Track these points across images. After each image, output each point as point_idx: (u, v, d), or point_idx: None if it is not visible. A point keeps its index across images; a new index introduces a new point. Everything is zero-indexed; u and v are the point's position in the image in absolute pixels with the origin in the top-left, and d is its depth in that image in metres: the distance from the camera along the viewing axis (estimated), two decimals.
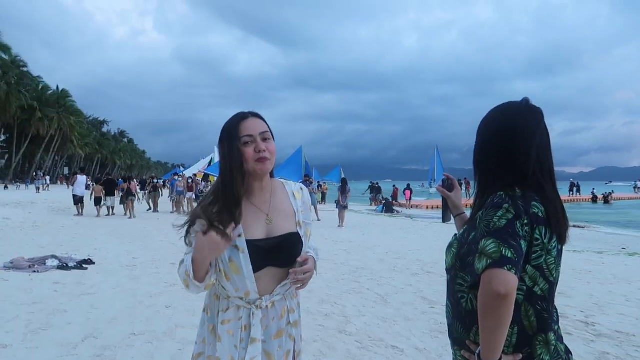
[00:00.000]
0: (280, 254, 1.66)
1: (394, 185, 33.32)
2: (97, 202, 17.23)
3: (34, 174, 45.85)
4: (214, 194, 1.65)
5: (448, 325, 1.53)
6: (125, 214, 17.19)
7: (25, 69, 53.53)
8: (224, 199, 1.60)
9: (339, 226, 15.04)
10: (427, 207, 30.39)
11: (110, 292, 5.79)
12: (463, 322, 1.43)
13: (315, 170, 28.03)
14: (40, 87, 58.02)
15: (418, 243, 11.52)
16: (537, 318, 1.35)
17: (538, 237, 1.33)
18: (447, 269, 1.53)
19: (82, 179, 17.61)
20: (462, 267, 1.43)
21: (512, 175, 1.41)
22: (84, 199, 17.25)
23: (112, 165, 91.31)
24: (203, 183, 25.20)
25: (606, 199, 39.59)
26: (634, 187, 57.56)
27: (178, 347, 3.96)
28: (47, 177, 46.14)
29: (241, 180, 1.61)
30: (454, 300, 1.46)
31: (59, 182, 56.42)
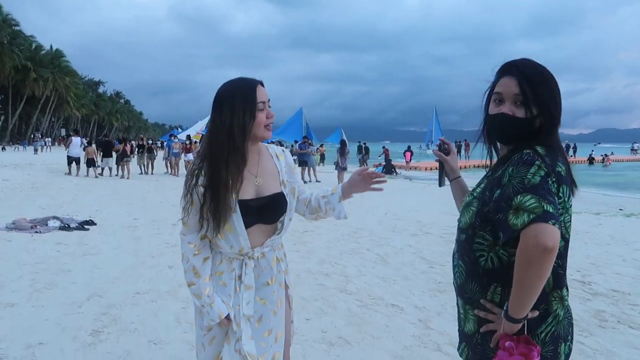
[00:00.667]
0: (268, 212, 1.81)
1: (383, 147, 33.07)
2: (90, 163, 17.56)
3: (32, 135, 45.55)
4: (211, 157, 1.70)
5: (459, 285, 1.53)
6: (122, 175, 17.47)
7: (17, 28, 52.29)
8: (234, 160, 1.68)
9: None
10: (426, 169, 30.46)
11: (112, 253, 5.84)
12: (480, 281, 1.43)
13: (312, 133, 27.94)
14: (33, 47, 56.83)
15: (416, 204, 11.58)
16: (553, 275, 1.37)
17: (561, 195, 1.34)
18: (462, 228, 1.50)
19: (77, 140, 17.82)
20: (483, 226, 1.41)
21: (537, 133, 1.41)
22: (80, 159, 17.56)
23: (109, 126, 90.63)
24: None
25: (603, 161, 39.55)
26: (631, 149, 57.49)
27: (182, 306, 4.03)
28: (48, 139, 45.78)
29: (247, 144, 1.71)
30: (470, 260, 1.45)
31: (56, 144, 56.11)
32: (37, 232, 6.79)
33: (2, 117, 55.85)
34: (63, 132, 72.63)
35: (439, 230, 7.77)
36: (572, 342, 1.43)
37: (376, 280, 4.94)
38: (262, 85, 1.77)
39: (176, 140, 19.93)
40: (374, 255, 6.06)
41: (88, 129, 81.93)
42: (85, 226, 7.35)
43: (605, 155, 41.70)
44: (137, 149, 20.18)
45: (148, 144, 20.21)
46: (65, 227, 7.13)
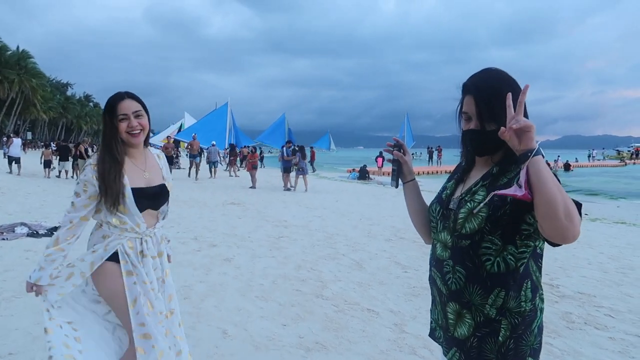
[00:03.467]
0: (157, 199, 2.27)
1: (311, 147, 33.41)
2: (47, 164, 19.10)
3: (5, 138, 44.13)
4: (101, 155, 2.16)
5: (454, 290, 1.54)
6: (74, 177, 18.27)
7: None
8: (110, 159, 2.14)
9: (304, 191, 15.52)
10: None
11: None
12: (483, 284, 1.47)
13: (293, 138, 27.73)
14: None
15: (391, 210, 11.72)
16: (538, 272, 1.50)
17: None
18: (465, 235, 1.50)
19: (17, 141, 19.80)
20: (493, 230, 1.44)
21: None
22: (20, 159, 19.33)
23: (77, 130, 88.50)
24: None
25: (566, 167, 40.57)
26: (588, 156, 59.69)
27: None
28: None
29: (117, 145, 2.17)
30: (474, 265, 1.49)
31: (23, 148, 54.44)
32: (3, 239, 6.59)
33: None
34: (29, 135, 70.53)
35: (413, 236, 7.89)
36: None
37: (352, 286, 4.99)
38: (132, 98, 2.21)
39: None
40: (349, 260, 6.12)
41: (55, 133, 79.81)
42: (54, 232, 7.16)
43: (555, 161, 42.46)
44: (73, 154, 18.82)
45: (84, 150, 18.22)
46: (34, 234, 6.94)
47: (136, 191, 2.16)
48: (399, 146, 1.85)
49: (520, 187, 1.31)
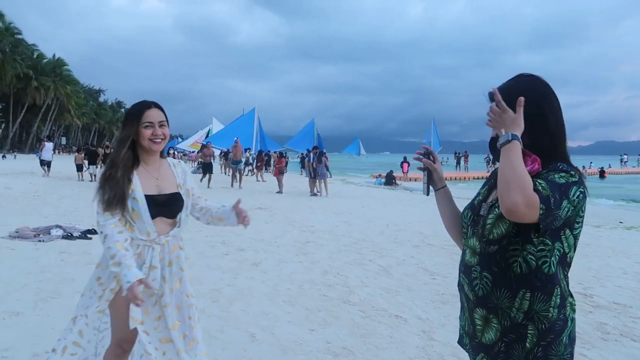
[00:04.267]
0: (168, 207, 2.27)
1: (313, 150, 33.01)
2: (79, 168, 20.00)
3: (37, 144, 45.64)
4: (113, 160, 2.18)
5: (480, 296, 1.54)
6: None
7: (19, 37, 52.68)
8: (115, 161, 2.18)
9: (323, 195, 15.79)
10: None
11: None
12: (509, 287, 1.47)
13: (322, 143, 27.76)
14: (35, 56, 57.22)
15: (418, 215, 11.61)
16: (565, 283, 1.49)
17: (584, 210, 1.46)
18: (492, 240, 1.51)
19: (49, 145, 20.89)
20: (518, 233, 1.45)
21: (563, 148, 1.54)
22: (51, 163, 20.63)
23: (109, 135, 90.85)
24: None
25: (601, 174, 39.42)
26: (621, 161, 57.84)
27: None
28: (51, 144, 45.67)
29: (131, 149, 2.21)
30: (500, 269, 1.49)
31: (58, 152, 56.26)
32: (40, 240, 6.81)
33: (3, 125, 55.99)
34: (64, 140, 72.77)
35: (441, 242, 7.79)
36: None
37: (379, 292, 4.97)
38: (159, 108, 2.27)
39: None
40: (376, 266, 6.09)
41: (88, 138, 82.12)
42: (88, 235, 7.37)
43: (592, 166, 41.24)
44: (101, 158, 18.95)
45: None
46: (68, 236, 7.15)
47: (148, 198, 2.18)
48: (428, 154, 1.85)
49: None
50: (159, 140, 2.23)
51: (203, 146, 32.85)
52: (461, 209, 1.80)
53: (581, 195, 1.41)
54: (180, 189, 2.34)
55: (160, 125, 2.23)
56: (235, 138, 19.57)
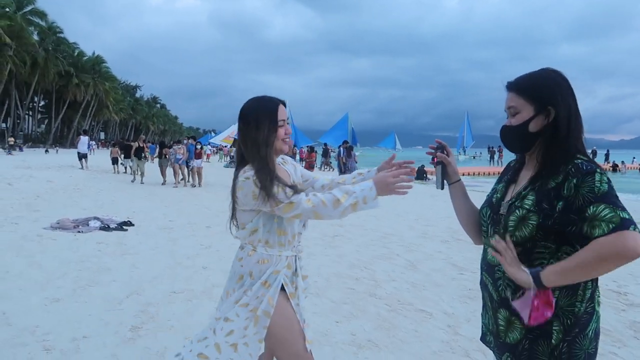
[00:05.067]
0: None
1: (325, 144, 30.95)
2: (114, 161, 20.57)
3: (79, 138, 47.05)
4: (257, 163, 1.90)
5: (503, 298, 1.54)
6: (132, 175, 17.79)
7: (61, 35, 54.51)
8: (269, 164, 1.92)
9: None
10: (462, 174, 30.09)
11: (150, 253, 6.07)
12: None
13: (356, 138, 27.64)
14: (76, 54, 59.08)
15: (448, 211, 11.47)
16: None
17: None
18: (515, 242, 1.49)
19: (84, 139, 21.45)
20: (546, 237, 1.44)
21: (537, 136, 1.53)
22: (87, 155, 21.41)
23: (145, 130, 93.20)
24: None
25: (614, 168, 37.57)
26: None
27: (215, 306, 4.15)
28: (92, 142, 47.01)
29: (272, 153, 1.96)
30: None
31: (98, 146, 58.11)
32: (79, 231, 7.11)
33: (46, 121, 58.19)
34: (102, 135, 75.09)
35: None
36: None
37: (406, 286, 4.97)
38: (284, 105, 2.04)
39: (180, 146, 16.23)
40: (403, 260, 6.08)
41: (125, 132, 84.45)
42: (124, 227, 7.64)
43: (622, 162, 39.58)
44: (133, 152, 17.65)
45: (144, 144, 17.96)
46: (105, 228, 7.43)
47: None
48: (441, 148, 1.86)
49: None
50: (288, 139, 2.05)
51: (236, 140, 33.20)
52: (479, 205, 1.80)
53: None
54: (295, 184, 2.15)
55: (287, 123, 2.06)
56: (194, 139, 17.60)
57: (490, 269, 1.60)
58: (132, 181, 16.51)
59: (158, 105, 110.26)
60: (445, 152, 1.86)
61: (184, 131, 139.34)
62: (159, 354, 3.20)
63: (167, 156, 16.35)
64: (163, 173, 16.47)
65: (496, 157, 39.44)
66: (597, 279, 1.48)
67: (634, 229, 1.27)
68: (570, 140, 1.49)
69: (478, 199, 1.85)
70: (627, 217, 1.29)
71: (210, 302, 4.27)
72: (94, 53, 63.02)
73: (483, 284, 1.66)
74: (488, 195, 1.73)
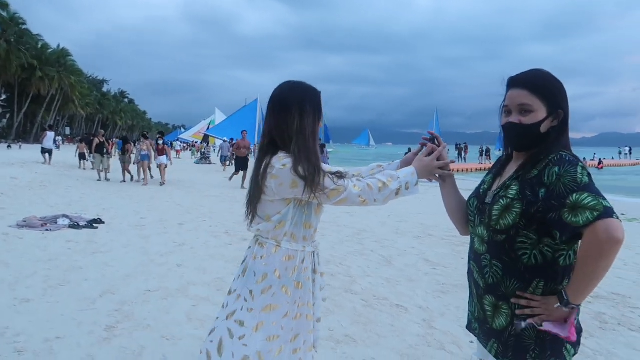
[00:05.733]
0: None
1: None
2: (81, 157, 20.67)
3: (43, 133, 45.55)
4: (302, 153, 1.79)
5: (491, 284, 1.59)
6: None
7: (24, 27, 52.61)
8: (315, 156, 1.82)
9: None
10: None
11: (122, 251, 5.96)
12: (522, 277, 1.52)
13: (329, 134, 27.18)
14: (40, 46, 57.13)
15: (419, 207, 11.66)
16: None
17: None
18: (500, 230, 1.54)
19: (50, 134, 21.19)
20: (528, 225, 1.48)
21: (546, 136, 1.57)
22: (52, 151, 20.93)
23: (113, 125, 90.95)
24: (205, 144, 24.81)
25: (598, 164, 39.21)
26: (619, 153, 58.15)
27: (192, 304, 4.14)
28: (59, 137, 45.47)
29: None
30: (510, 259, 1.54)
31: (65, 142, 56.41)
32: (47, 229, 6.92)
33: (8, 115, 56.14)
34: (67, 130, 72.98)
35: (442, 233, 7.87)
36: None
37: (380, 281, 5.04)
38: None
39: (144, 141, 15.65)
40: (378, 256, 6.16)
41: (92, 128, 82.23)
42: (94, 225, 7.47)
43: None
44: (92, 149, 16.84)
45: (106, 141, 16.85)
46: (75, 226, 7.25)
47: None
48: (433, 139, 1.91)
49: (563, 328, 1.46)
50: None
51: (206, 136, 32.75)
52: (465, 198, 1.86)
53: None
54: None
55: None
56: (244, 131, 16.52)
57: (477, 257, 1.66)
58: (98, 180, 15.50)
59: (126, 100, 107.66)
60: (437, 143, 1.91)
61: (152, 126, 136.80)
62: (136, 354, 3.16)
63: (129, 152, 15.81)
64: (125, 170, 15.67)
65: (462, 153, 40.21)
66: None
67: (617, 218, 1.33)
68: (564, 140, 1.56)
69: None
70: (609, 206, 1.35)
71: (186, 300, 4.24)
72: (59, 46, 61.12)
73: (470, 272, 1.72)
74: (476, 187, 1.79)
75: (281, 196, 1.81)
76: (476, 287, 1.67)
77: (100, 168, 15.94)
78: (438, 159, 1.87)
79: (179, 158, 36.36)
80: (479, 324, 1.67)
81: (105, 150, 16.03)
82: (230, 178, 15.76)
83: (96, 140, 16.44)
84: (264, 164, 1.81)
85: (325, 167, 1.95)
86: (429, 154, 1.89)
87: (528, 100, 1.54)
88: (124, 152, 15.88)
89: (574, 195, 1.37)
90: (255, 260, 1.87)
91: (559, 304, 1.44)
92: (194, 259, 5.67)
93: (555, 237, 1.44)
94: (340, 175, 1.84)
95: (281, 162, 1.76)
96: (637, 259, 6.44)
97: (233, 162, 20.67)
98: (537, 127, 1.54)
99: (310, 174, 1.74)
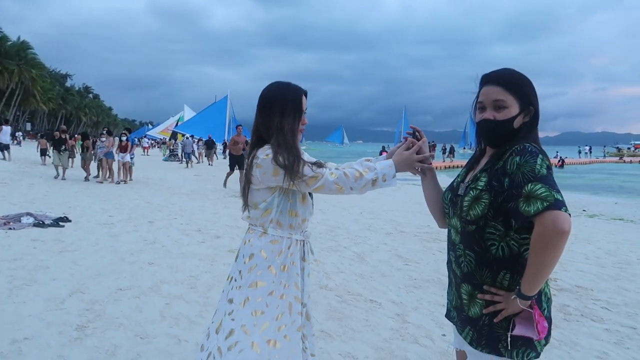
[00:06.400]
0: None
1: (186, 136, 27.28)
2: (42, 153, 20.40)
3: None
4: (282, 148, 1.88)
5: (466, 273, 1.65)
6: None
7: None
8: (295, 149, 1.91)
9: None
10: None
11: (91, 249, 5.82)
12: (490, 267, 1.58)
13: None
14: None
15: (391, 204, 11.82)
16: None
17: None
18: (470, 220, 1.60)
19: (6, 129, 20.75)
20: (496, 216, 1.54)
21: (518, 132, 1.63)
22: (9, 146, 20.49)
23: (77, 121, 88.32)
24: (174, 141, 24.39)
25: (561, 163, 40.54)
26: (579, 152, 60.68)
27: (165, 302, 4.09)
28: (19, 133, 43.76)
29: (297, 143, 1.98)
30: (480, 249, 1.60)
31: (23, 138, 54.42)
32: (10, 228, 6.68)
33: None
34: (28, 126, 70.43)
35: (413, 229, 8.00)
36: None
37: (354, 277, 5.10)
38: (306, 96, 2.04)
39: (105, 139, 14.44)
40: (351, 252, 6.22)
41: (55, 123, 79.62)
42: (60, 223, 7.27)
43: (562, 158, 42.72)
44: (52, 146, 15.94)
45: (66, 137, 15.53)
46: (40, 224, 7.03)
47: None
48: (414, 133, 1.97)
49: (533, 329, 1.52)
50: (303, 129, 2.06)
51: (174, 133, 32.09)
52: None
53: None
54: None
55: None
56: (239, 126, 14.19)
57: (453, 247, 1.72)
58: (55, 177, 14.43)
59: (90, 96, 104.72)
60: (417, 135, 1.97)
61: (118, 123, 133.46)
62: (109, 353, 3.10)
63: (88, 149, 15.05)
64: (85, 167, 14.82)
65: (430, 152, 41.01)
66: None
67: (565, 211, 1.39)
68: (534, 135, 1.63)
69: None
70: (560, 198, 1.40)
71: (159, 298, 4.18)
72: (19, 38, 58.98)
73: (449, 262, 1.79)
74: (452, 180, 1.85)
75: (265, 184, 1.92)
76: (454, 276, 1.74)
77: (59, 164, 14.81)
78: (418, 153, 1.93)
79: (147, 155, 35.63)
80: (457, 312, 1.74)
81: (63, 147, 14.91)
82: (225, 182, 13.73)
83: (56, 135, 15.51)
84: (251, 156, 1.95)
85: (305, 156, 2.02)
86: (408, 148, 1.95)
87: (502, 96, 1.60)
88: (83, 149, 15.22)
89: (529, 185, 1.42)
90: (245, 245, 2.02)
91: (514, 296, 1.51)
92: (165, 257, 5.59)
93: (519, 233, 1.52)
94: (319, 165, 1.93)
95: (264, 152, 1.89)
96: (598, 253, 6.72)
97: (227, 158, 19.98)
98: (510, 123, 1.60)
99: (290, 162, 1.84)
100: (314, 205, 2.14)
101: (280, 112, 1.93)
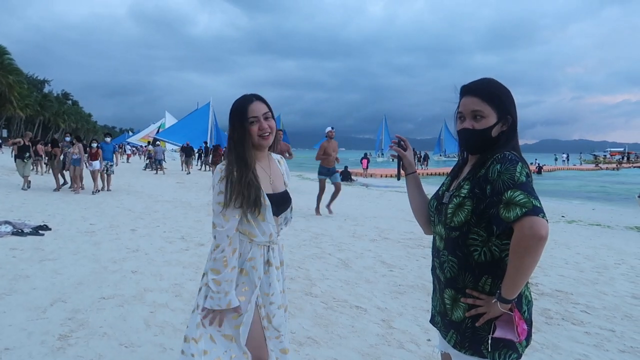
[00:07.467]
0: (281, 206, 2.19)
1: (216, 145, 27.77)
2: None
3: None
4: (231, 161, 2.06)
5: (449, 278, 1.70)
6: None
7: None
8: (238, 163, 2.06)
9: None
10: (381, 176, 31.12)
11: (71, 258, 5.73)
12: (472, 272, 1.63)
13: (288, 138, 26.97)
14: None
15: (374, 210, 11.89)
16: None
17: None
18: (453, 227, 1.66)
19: None
20: (478, 223, 1.59)
21: (497, 140, 1.68)
22: None
23: (55, 128, 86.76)
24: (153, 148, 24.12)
25: (539, 170, 41.44)
26: (555, 159, 62.10)
27: (149, 310, 4.05)
28: None
29: (247, 150, 2.08)
30: (463, 254, 1.64)
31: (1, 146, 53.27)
32: None
33: None
34: (5, 133, 68.93)
35: (397, 236, 8.06)
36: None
37: (339, 284, 5.11)
38: (260, 100, 2.12)
39: (74, 145, 13.69)
40: (335, 259, 6.24)
41: (32, 130, 78.11)
42: (40, 231, 7.14)
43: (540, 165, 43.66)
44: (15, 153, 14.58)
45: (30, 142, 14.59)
46: (19, 232, 6.90)
47: (269, 197, 2.11)
48: (399, 142, 2.03)
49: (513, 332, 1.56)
50: (267, 134, 2.10)
51: (155, 140, 31.84)
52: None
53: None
54: (287, 187, 2.30)
55: (265, 118, 2.10)
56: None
57: (437, 254, 1.77)
58: (22, 189, 13.28)
59: (69, 102, 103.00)
60: (403, 144, 2.03)
61: (98, 129, 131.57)
62: None
63: (56, 156, 14.14)
64: (55, 176, 14.03)
65: (416, 160, 41.36)
66: None
67: (543, 217, 1.45)
68: (514, 143, 1.69)
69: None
70: (538, 205, 1.46)
71: (143, 306, 4.13)
72: None
73: (433, 268, 1.83)
74: (438, 188, 1.90)
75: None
76: (438, 282, 1.78)
77: (22, 174, 13.58)
78: (404, 162, 2.01)
79: (128, 163, 35.20)
80: (441, 317, 1.78)
81: (27, 155, 13.77)
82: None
83: (19, 141, 14.10)
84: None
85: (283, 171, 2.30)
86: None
87: (479, 107, 1.67)
88: (50, 157, 14.39)
89: (509, 192, 1.48)
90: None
91: (495, 300, 1.56)
92: (149, 265, 5.53)
93: (501, 238, 1.57)
94: (249, 206, 2.04)
95: (219, 173, 2.09)
96: (577, 258, 6.86)
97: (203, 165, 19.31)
98: (488, 132, 1.67)
99: (229, 188, 2.03)
100: (290, 219, 2.28)
101: (231, 125, 2.10)
